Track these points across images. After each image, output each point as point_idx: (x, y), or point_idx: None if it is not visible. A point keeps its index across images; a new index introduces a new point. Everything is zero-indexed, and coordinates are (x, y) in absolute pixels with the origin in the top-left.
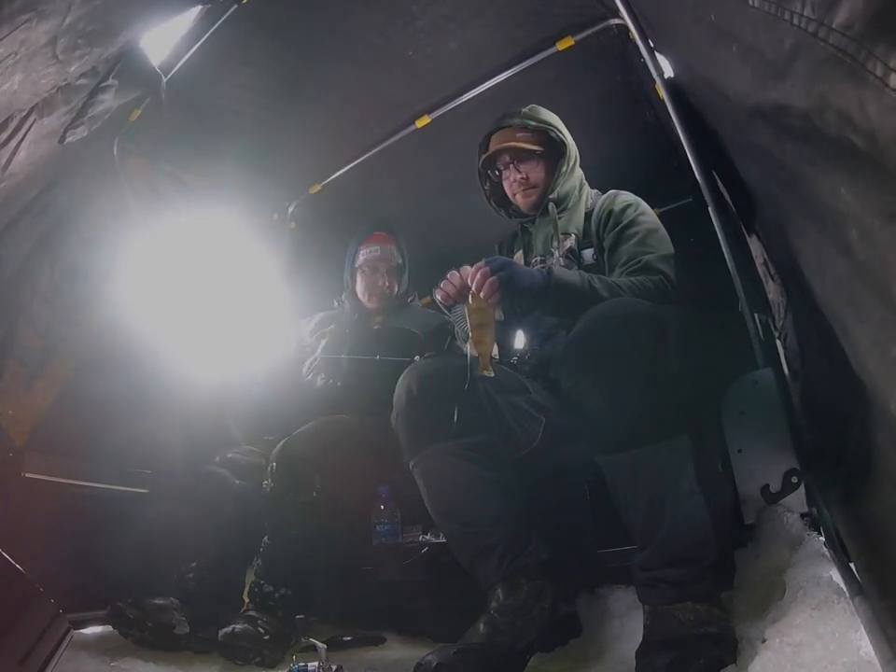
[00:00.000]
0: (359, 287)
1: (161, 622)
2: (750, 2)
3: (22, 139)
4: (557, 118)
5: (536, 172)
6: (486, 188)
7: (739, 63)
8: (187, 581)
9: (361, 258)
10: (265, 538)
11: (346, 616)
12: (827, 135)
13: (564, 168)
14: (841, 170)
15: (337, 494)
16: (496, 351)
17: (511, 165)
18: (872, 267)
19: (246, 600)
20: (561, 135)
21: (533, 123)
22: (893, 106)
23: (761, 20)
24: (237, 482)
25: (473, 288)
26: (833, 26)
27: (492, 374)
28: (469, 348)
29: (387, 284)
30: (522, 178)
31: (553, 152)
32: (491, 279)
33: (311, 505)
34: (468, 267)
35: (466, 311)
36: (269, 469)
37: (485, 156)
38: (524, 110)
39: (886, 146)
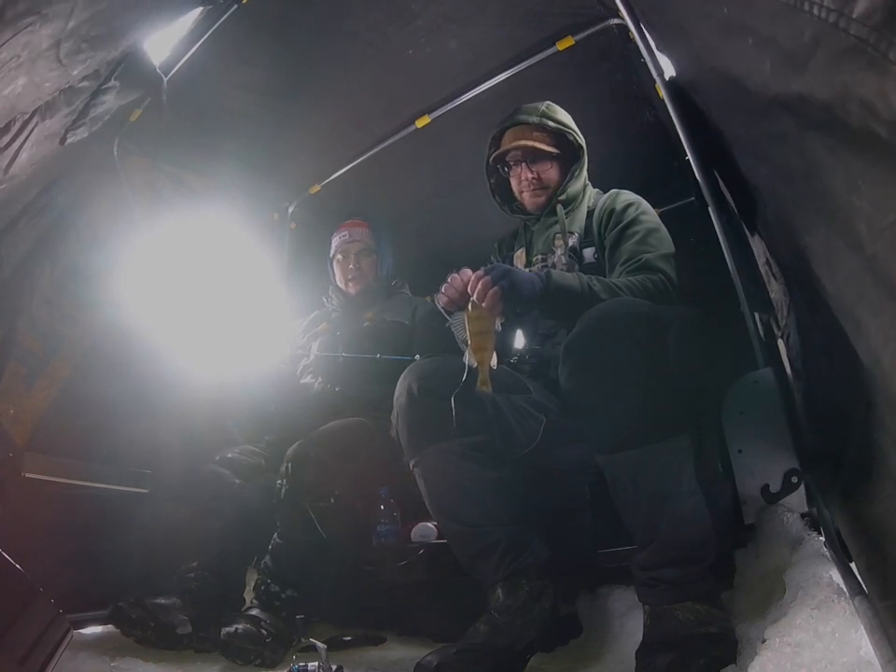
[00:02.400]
0: (338, 277)
1: (164, 621)
2: None
3: (24, 141)
4: (571, 118)
5: (548, 173)
6: (492, 181)
7: (756, 56)
8: (188, 580)
9: (334, 246)
10: (275, 536)
11: (346, 616)
12: (849, 125)
13: (577, 171)
14: (862, 160)
15: (354, 499)
16: (494, 361)
17: (524, 164)
18: (881, 261)
19: (248, 599)
20: (578, 139)
21: (552, 124)
22: None
23: (778, 11)
24: (237, 481)
25: (475, 298)
26: (854, 16)
27: (490, 391)
28: (467, 356)
29: (359, 266)
30: (533, 178)
31: (567, 154)
32: (493, 290)
33: (328, 510)
34: (468, 270)
35: (465, 318)
36: (284, 469)
37: (498, 152)
38: (542, 108)
39: None
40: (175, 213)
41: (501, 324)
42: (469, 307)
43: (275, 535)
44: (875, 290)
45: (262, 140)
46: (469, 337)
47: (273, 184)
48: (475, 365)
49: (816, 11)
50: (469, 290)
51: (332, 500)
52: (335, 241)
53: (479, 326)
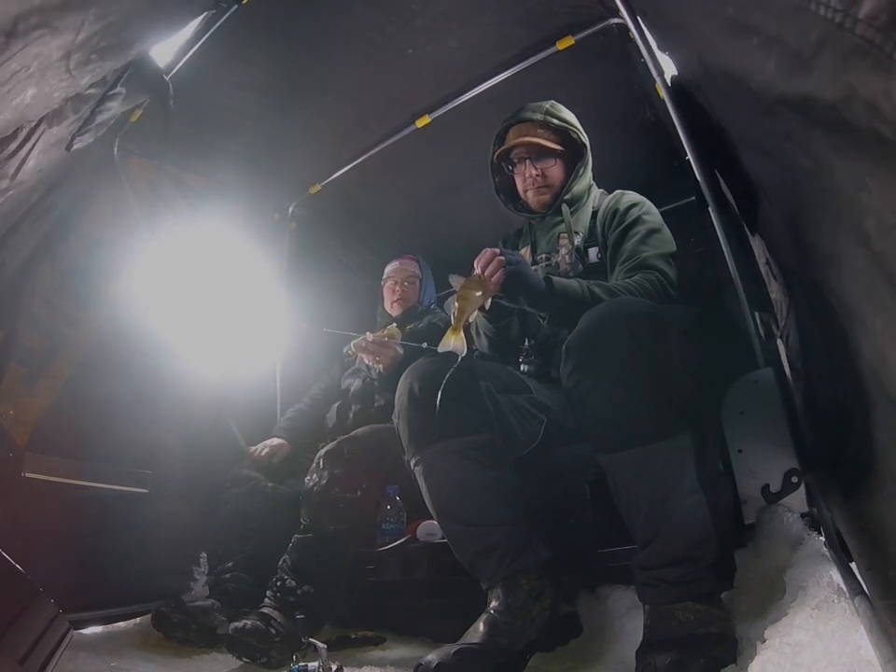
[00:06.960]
0: (385, 299)
1: (204, 623)
2: None
3: (32, 149)
4: (575, 117)
5: (552, 170)
6: (497, 180)
7: (761, 56)
8: (224, 581)
9: (386, 273)
10: (297, 533)
11: (347, 616)
12: (855, 125)
13: (582, 170)
14: (868, 159)
15: (378, 495)
16: (473, 317)
17: (528, 161)
18: (888, 258)
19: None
20: (582, 137)
21: (556, 122)
22: None
23: (785, 11)
24: (269, 484)
25: (480, 269)
26: (860, 17)
27: (460, 345)
28: (446, 339)
29: (404, 290)
30: (537, 175)
31: (571, 153)
32: (500, 258)
33: (354, 502)
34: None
35: (461, 282)
36: (315, 464)
37: (502, 149)
38: (546, 106)
39: None
40: (176, 213)
41: (496, 298)
42: (471, 277)
43: (298, 531)
44: (882, 287)
45: (263, 140)
46: (457, 294)
47: (274, 184)
48: (455, 313)
49: (822, 11)
50: (475, 263)
51: (359, 493)
52: (388, 269)
53: (470, 285)
